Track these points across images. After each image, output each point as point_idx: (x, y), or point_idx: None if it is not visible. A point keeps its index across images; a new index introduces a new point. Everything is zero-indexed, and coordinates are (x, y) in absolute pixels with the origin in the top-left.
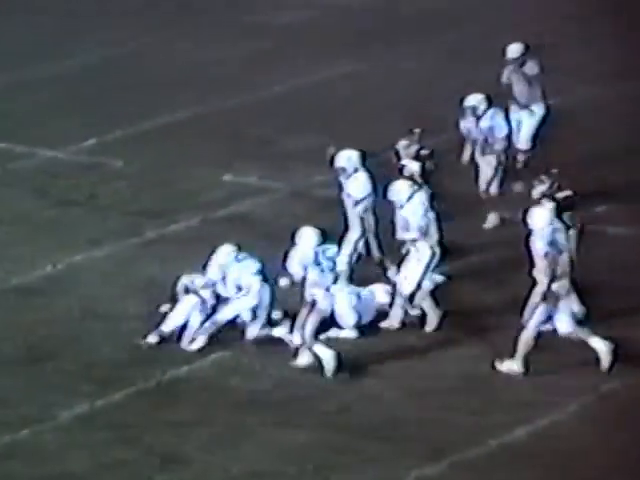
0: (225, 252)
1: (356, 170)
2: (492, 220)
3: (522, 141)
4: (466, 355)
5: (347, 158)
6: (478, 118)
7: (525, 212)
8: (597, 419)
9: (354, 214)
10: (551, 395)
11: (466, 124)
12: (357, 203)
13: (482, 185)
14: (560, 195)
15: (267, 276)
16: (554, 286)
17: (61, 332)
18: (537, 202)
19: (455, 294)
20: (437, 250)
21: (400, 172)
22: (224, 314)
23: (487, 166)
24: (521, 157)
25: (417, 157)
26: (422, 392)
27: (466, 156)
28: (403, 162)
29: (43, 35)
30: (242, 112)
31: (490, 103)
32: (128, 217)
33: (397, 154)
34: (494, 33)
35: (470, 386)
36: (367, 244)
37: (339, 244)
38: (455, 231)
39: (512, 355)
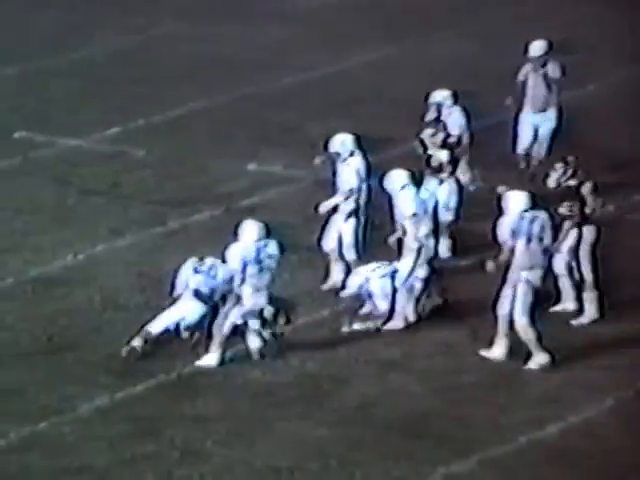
0: (187, 266)
1: (352, 154)
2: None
3: (539, 150)
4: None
5: (341, 142)
6: (439, 113)
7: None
8: (633, 416)
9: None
10: (584, 391)
11: (427, 117)
12: (351, 190)
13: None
14: (567, 184)
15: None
16: (526, 275)
17: (81, 323)
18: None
19: (480, 287)
20: (428, 243)
21: (427, 162)
22: (154, 326)
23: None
24: (535, 162)
25: (444, 145)
26: (448, 387)
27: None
28: (430, 152)
29: (62, 26)
30: (266, 100)
31: (456, 100)
32: (151, 206)
33: (423, 143)
34: (525, 19)
35: (498, 381)
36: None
37: (323, 229)
38: (478, 222)
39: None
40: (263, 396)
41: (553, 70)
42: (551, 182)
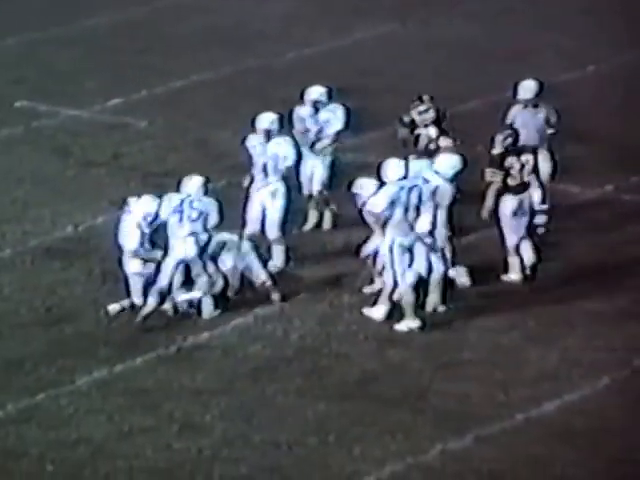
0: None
1: (279, 132)
2: (328, 220)
3: (536, 202)
4: (492, 326)
5: (270, 121)
6: (317, 110)
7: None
8: (629, 395)
9: (276, 177)
10: (581, 369)
11: (301, 113)
12: (280, 165)
13: (304, 181)
14: (495, 151)
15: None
16: (401, 241)
17: (81, 295)
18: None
19: (483, 257)
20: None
21: (416, 142)
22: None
23: (314, 160)
24: (540, 220)
25: (437, 121)
26: (447, 363)
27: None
28: (417, 131)
29: None
30: (270, 74)
31: (330, 97)
32: (152, 178)
33: (413, 123)
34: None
35: (496, 358)
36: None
37: (243, 211)
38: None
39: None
40: (263, 370)
41: (549, 113)
42: (497, 149)
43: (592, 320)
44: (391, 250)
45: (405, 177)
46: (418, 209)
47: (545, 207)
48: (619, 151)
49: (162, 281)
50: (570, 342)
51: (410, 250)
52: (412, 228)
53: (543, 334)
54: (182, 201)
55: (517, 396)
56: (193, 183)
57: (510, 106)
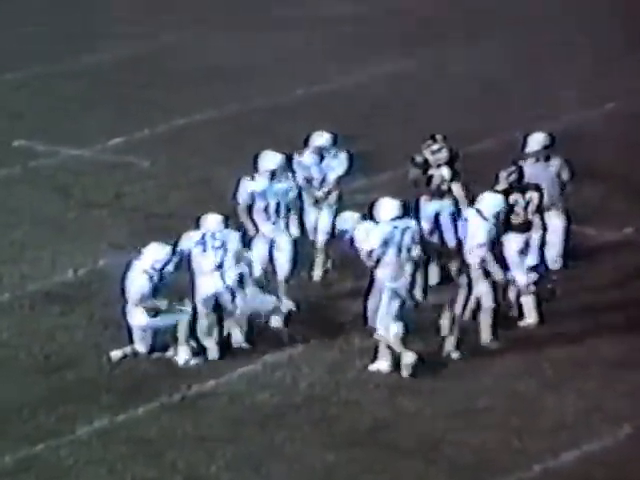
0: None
1: (283, 171)
2: (318, 272)
3: (550, 260)
4: (507, 372)
5: (276, 161)
6: (322, 157)
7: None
8: None
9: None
10: (601, 416)
11: (303, 161)
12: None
13: (309, 229)
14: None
15: None
16: (390, 285)
17: (82, 340)
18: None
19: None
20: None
21: (428, 182)
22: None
23: (317, 211)
24: (552, 276)
25: (450, 161)
26: (460, 410)
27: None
28: (431, 172)
29: (68, 30)
30: (276, 111)
31: (336, 143)
32: (154, 220)
33: (426, 163)
34: (543, 35)
35: (512, 405)
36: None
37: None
38: None
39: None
40: (270, 418)
41: (562, 169)
42: (501, 185)
43: (611, 365)
44: (380, 294)
45: (400, 217)
46: (409, 250)
47: (558, 267)
48: (638, 192)
49: (202, 322)
50: (588, 388)
51: (398, 294)
52: (404, 270)
53: (560, 380)
54: (203, 235)
55: (534, 446)
56: (212, 220)
57: (520, 159)
